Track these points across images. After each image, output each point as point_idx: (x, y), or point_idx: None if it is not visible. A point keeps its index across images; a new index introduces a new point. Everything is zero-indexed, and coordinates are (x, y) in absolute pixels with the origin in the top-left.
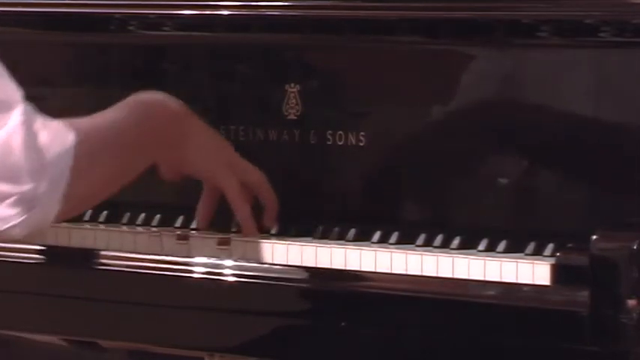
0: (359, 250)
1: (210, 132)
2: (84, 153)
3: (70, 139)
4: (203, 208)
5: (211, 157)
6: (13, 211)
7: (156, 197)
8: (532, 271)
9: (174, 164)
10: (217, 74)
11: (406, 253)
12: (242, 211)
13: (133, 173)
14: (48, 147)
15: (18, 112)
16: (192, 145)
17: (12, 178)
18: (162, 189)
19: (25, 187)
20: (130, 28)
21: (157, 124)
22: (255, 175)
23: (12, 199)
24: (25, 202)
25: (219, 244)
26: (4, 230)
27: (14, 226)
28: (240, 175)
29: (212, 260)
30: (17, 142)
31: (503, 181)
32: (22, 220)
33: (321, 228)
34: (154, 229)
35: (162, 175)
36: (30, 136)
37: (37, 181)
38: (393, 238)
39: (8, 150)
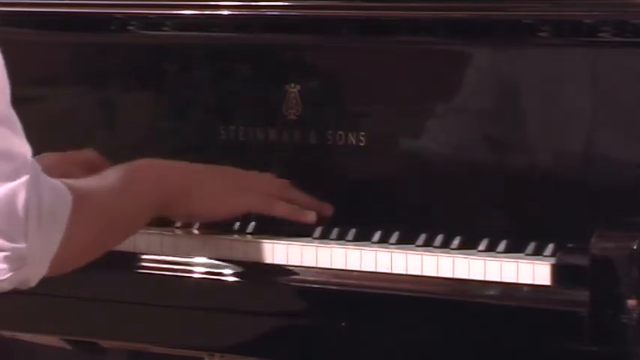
0: (359, 250)
1: (215, 174)
2: (79, 216)
3: (68, 201)
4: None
5: (229, 196)
6: (1, 266)
7: None
8: (532, 271)
9: (199, 214)
10: (217, 74)
11: (406, 253)
12: (291, 213)
13: (130, 231)
14: (48, 208)
15: (27, 170)
16: (204, 193)
17: (8, 233)
18: None
19: (19, 244)
20: (130, 28)
21: (147, 186)
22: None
23: (3, 255)
24: (15, 259)
25: (219, 243)
26: None
27: (0, 281)
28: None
29: (212, 260)
30: (21, 198)
31: None
32: (9, 277)
33: (321, 228)
34: (155, 229)
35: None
36: (34, 194)
37: (31, 241)
38: (393, 238)
39: (12, 204)
